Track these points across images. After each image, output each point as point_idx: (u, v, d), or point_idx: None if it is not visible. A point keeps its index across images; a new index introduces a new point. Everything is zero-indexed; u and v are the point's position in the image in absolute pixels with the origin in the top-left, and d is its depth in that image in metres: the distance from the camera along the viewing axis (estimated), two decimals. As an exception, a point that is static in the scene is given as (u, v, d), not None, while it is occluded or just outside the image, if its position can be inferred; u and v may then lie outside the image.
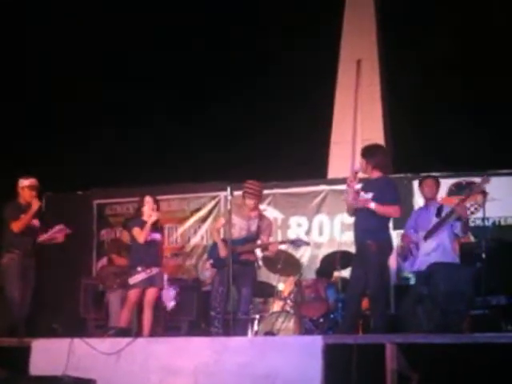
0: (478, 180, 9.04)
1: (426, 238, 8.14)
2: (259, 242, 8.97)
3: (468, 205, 8.33)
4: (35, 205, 9.00)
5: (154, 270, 8.76)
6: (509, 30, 12.28)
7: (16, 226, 8.93)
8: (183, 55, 13.90)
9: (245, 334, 8.70)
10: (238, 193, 8.86)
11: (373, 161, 8.20)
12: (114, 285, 9.71)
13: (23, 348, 7.77)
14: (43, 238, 9.15)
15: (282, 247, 10.37)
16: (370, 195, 8.02)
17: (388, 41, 12.69)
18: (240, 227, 8.79)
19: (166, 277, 9.04)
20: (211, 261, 8.97)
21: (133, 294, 8.75)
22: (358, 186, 8.19)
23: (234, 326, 8.17)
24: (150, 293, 8.77)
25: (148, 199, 8.95)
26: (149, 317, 8.72)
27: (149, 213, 8.85)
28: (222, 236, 9.07)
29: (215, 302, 8.68)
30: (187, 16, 13.74)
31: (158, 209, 8.94)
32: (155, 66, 13.93)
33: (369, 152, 8.33)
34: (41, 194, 9.25)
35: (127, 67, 13.74)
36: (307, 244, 9.84)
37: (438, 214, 8.13)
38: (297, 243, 9.51)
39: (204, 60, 13.96)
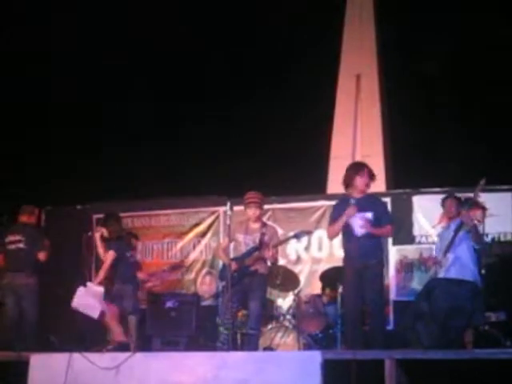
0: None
1: (444, 253, 8.10)
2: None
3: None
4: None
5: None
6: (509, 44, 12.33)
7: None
8: (181, 69, 13.93)
9: (255, 349, 8.59)
10: (238, 208, 8.75)
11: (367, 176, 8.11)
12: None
13: (21, 362, 7.73)
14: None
15: (281, 262, 10.37)
16: (370, 214, 7.97)
17: (387, 56, 12.72)
18: (245, 243, 8.64)
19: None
20: (224, 283, 8.61)
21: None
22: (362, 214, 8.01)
23: (242, 341, 8.07)
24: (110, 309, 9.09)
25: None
26: (113, 330, 9.02)
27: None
28: (231, 255, 8.88)
29: (224, 318, 8.45)
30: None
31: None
32: (155, 79, 13.96)
33: (357, 167, 8.23)
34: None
35: (128, 79, 13.75)
36: (309, 233, 9.66)
37: (457, 229, 8.08)
38: (298, 236, 9.26)
39: (204, 73, 13.99)
